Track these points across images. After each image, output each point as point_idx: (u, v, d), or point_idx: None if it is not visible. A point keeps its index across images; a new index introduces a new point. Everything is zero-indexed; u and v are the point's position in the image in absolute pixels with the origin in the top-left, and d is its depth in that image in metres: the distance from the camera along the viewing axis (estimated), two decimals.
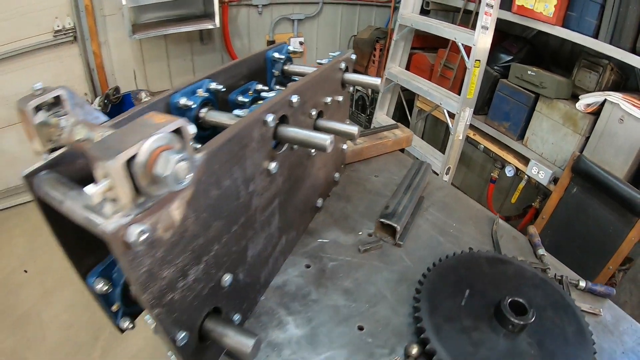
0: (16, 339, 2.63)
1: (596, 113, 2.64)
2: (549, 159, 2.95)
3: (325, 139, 0.88)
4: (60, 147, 0.75)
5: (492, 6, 2.74)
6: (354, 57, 1.36)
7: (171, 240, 0.64)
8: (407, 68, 3.85)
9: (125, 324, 0.94)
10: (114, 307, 0.92)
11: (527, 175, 3.02)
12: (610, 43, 2.52)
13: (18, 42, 3.29)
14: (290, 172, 1.08)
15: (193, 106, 0.96)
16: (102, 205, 0.61)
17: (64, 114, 0.73)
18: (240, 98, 1.10)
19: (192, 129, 0.57)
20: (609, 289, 1.19)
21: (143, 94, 3.31)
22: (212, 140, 0.73)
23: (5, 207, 3.75)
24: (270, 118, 0.86)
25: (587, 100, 2.64)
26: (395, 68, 3.76)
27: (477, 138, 3.33)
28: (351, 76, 1.30)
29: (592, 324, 1.02)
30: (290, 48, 1.32)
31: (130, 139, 0.51)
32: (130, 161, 0.50)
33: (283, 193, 1.05)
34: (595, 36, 2.59)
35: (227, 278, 0.84)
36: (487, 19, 2.76)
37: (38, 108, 0.71)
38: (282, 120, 0.95)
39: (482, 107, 3.21)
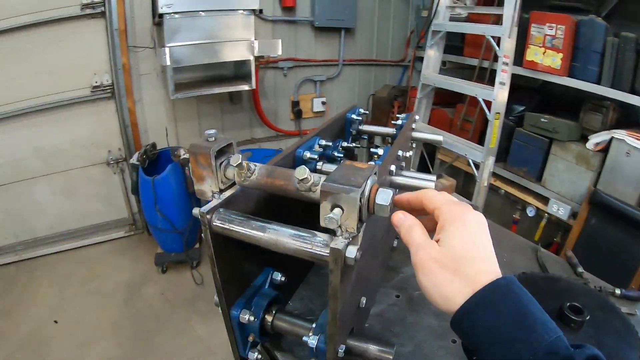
0: None
1: (605, 150, 2.87)
2: (567, 196, 3.13)
3: (433, 178, 1.03)
4: (227, 189, 0.87)
5: (507, 64, 3.02)
6: (417, 117, 1.55)
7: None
8: (428, 123, 4.10)
9: (255, 355, 1.02)
10: (250, 338, 1.00)
11: (548, 213, 3.20)
12: (612, 87, 2.79)
13: (56, 94, 3.45)
14: None
15: (315, 159, 1.12)
16: (310, 235, 0.75)
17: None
18: (336, 153, 1.28)
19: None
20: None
21: (181, 151, 3.45)
22: None
23: (31, 257, 3.78)
24: (393, 168, 1.00)
25: (595, 139, 2.88)
26: (420, 124, 3.97)
27: (498, 183, 3.52)
28: (418, 134, 1.47)
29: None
30: (361, 110, 1.51)
31: (354, 178, 0.65)
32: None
33: (383, 231, 1.19)
34: (598, 82, 2.86)
35: (363, 300, 0.95)
36: (504, 76, 3.03)
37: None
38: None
39: (501, 154, 3.42)
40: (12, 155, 3.48)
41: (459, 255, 0.55)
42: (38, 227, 3.80)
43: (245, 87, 3.69)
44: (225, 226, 0.82)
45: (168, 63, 3.13)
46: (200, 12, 3.19)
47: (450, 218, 0.58)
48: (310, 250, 0.72)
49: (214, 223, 0.82)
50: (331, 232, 0.70)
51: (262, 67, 4.23)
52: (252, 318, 0.95)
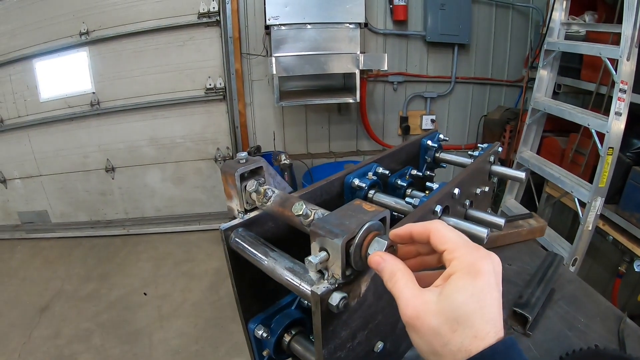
0: (124, 351, 2.85)
1: None
2: None
3: (484, 232, 0.95)
4: (253, 210, 0.90)
5: (625, 91, 2.66)
6: (500, 149, 1.42)
7: (354, 307, 0.73)
8: (538, 152, 3.79)
9: None
10: (265, 353, 1.01)
11: None
12: None
13: (174, 93, 3.87)
14: None
15: (364, 187, 1.09)
16: (304, 271, 0.75)
17: (262, 182, 0.89)
18: (399, 182, 1.22)
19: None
20: None
21: (282, 156, 3.59)
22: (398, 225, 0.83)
23: (138, 233, 4.23)
24: (438, 209, 0.94)
25: None
26: (527, 152, 3.71)
27: (606, 228, 3.10)
28: (498, 169, 1.33)
29: None
30: (441, 136, 1.42)
31: (348, 222, 0.62)
32: (349, 241, 0.61)
33: None
34: None
35: (379, 345, 0.90)
36: (620, 105, 2.66)
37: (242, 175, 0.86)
38: (444, 210, 1.02)
39: (614, 195, 3.01)
40: (131, 142, 3.99)
41: (459, 313, 0.48)
42: (147, 207, 4.28)
43: (350, 100, 3.74)
44: (239, 246, 0.85)
45: (274, 72, 3.31)
46: (307, 25, 3.31)
47: (462, 267, 0.51)
48: (297, 286, 0.72)
49: (231, 241, 0.86)
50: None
51: (372, 80, 4.25)
52: (265, 334, 0.96)
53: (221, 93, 3.92)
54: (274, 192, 0.83)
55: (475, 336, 0.48)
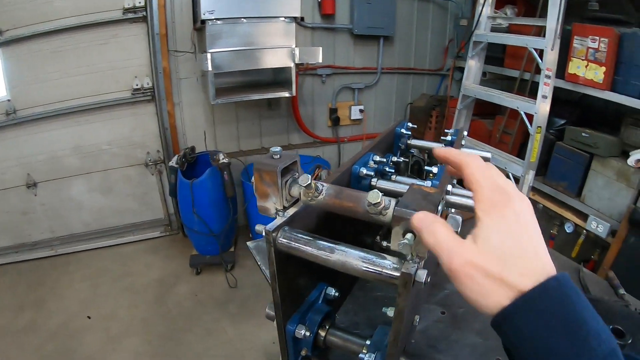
0: None
1: None
2: (606, 213, 3.03)
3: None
4: (291, 206, 0.87)
5: (550, 77, 2.97)
6: (466, 133, 1.53)
7: None
8: (467, 135, 4.05)
9: None
10: (303, 352, 1.01)
11: (586, 230, 3.11)
12: None
13: (98, 96, 3.57)
14: None
15: (372, 175, 1.13)
16: (379, 258, 0.76)
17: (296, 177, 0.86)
18: (387, 169, 1.28)
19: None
20: None
21: (220, 155, 3.49)
22: None
23: (66, 252, 3.90)
24: (450, 187, 0.99)
25: (636, 156, 2.74)
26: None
27: (537, 198, 3.45)
28: (467, 151, 1.44)
29: None
30: (409, 124, 1.50)
31: (424, 203, 0.65)
32: None
33: None
34: None
35: (417, 318, 0.95)
36: (546, 89, 2.98)
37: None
38: None
39: (540, 168, 3.35)
40: (53, 153, 3.63)
41: (500, 255, 0.47)
42: (74, 223, 3.92)
43: (285, 94, 3.71)
44: (292, 245, 0.82)
45: (210, 69, 3.17)
46: (242, 19, 3.22)
47: (487, 208, 0.50)
48: (379, 273, 0.73)
49: (278, 241, 0.82)
50: (398, 256, 0.71)
51: (301, 73, 4.25)
52: (307, 333, 0.96)
53: (149, 93, 3.70)
54: (323, 185, 0.82)
55: (522, 273, 0.46)
